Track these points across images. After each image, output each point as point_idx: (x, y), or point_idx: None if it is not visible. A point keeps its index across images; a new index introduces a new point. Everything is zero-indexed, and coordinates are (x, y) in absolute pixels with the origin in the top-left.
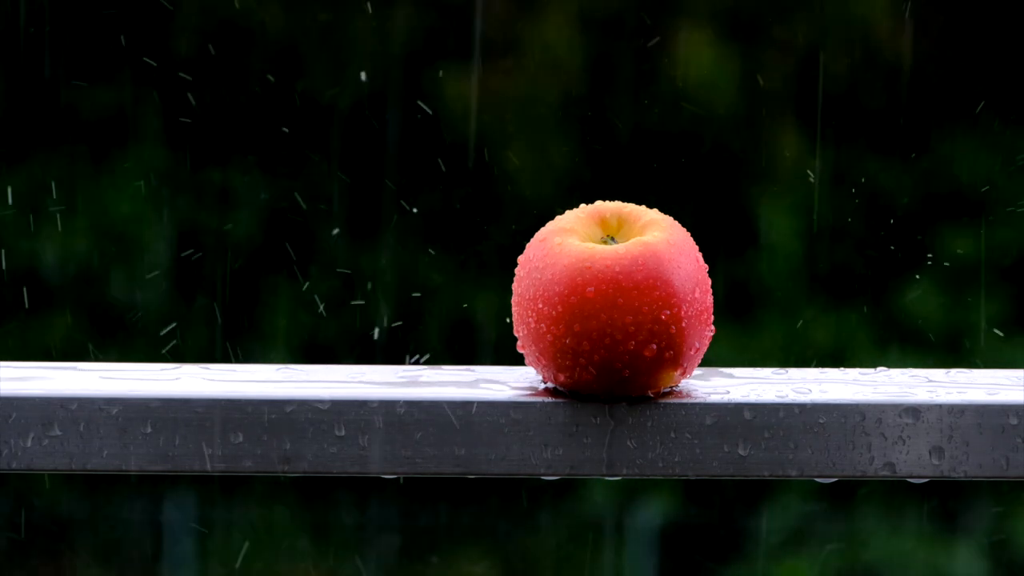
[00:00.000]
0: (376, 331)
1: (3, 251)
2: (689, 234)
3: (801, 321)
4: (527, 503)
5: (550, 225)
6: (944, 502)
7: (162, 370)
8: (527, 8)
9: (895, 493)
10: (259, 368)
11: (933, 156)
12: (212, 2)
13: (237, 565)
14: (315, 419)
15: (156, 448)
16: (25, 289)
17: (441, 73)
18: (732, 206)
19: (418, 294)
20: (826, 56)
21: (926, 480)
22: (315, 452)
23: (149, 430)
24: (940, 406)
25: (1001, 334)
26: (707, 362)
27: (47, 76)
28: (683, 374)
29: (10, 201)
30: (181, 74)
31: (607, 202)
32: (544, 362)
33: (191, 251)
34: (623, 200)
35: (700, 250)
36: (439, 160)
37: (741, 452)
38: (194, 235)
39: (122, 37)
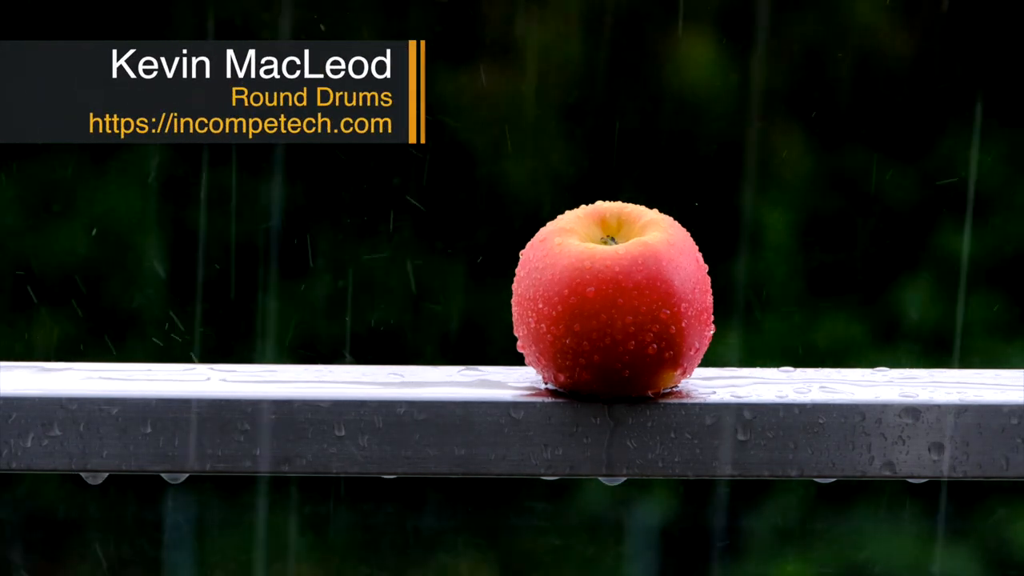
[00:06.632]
0: (376, 331)
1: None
2: (689, 234)
3: (801, 321)
4: (527, 503)
5: (550, 225)
6: (944, 502)
7: (162, 370)
8: (527, 7)
9: (895, 493)
10: (259, 368)
11: (933, 155)
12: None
13: (237, 565)
14: (315, 419)
15: (156, 448)
16: (25, 289)
17: (440, 72)
18: (732, 206)
19: (417, 294)
20: (826, 56)
21: (926, 480)
22: (315, 452)
23: (149, 430)
24: (940, 406)
25: (1001, 334)
26: (707, 362)
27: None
28: (683, 374)
29: (10, 200)
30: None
31: (607, 202)
32: (544, 362)
33: (190, 250)
34: (623, 200)
35: (700, 250)
36: (438, 160)
37: (741, 452)
38: (193, 234)
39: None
